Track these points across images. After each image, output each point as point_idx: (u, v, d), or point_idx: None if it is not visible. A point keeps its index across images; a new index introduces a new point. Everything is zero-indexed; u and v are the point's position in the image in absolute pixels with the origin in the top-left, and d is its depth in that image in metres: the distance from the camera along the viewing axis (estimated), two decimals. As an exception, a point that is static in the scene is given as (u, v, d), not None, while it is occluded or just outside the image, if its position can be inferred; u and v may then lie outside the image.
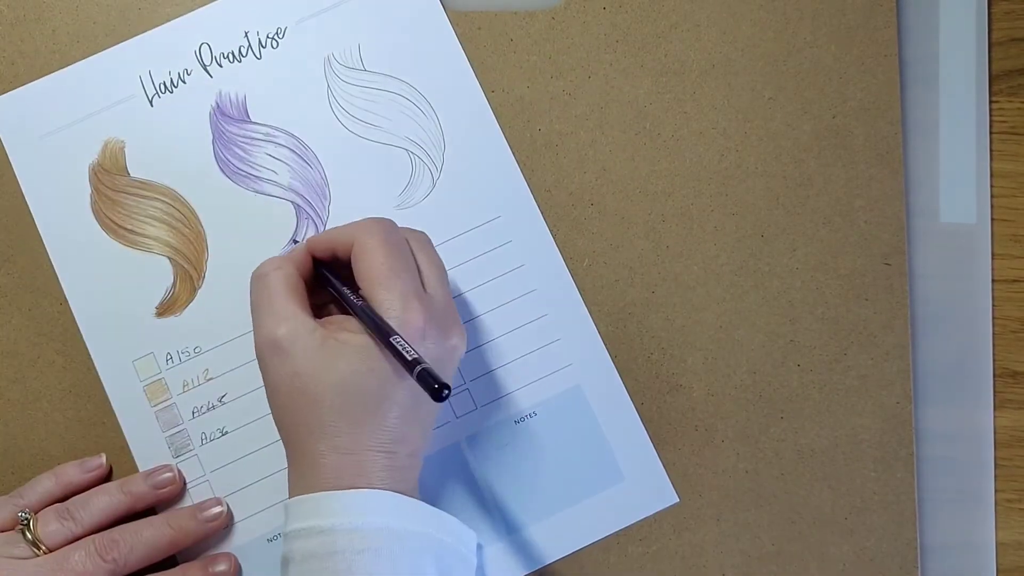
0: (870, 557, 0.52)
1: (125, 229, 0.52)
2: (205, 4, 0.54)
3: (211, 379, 0.52)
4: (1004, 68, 0.56)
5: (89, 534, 0.48)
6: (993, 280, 0.55)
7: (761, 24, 0.55)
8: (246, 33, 0.53)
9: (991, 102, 0.55)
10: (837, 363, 0.53)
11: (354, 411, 0.44)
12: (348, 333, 0.45)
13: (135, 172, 0.53)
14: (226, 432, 0.51)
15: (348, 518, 0.42)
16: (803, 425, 0.53)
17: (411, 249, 0.47)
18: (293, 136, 0.53)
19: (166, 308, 0.52)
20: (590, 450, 0.52)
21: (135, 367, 0.52)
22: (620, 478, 0.52)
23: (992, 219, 0.55)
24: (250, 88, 0.53)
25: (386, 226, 0.47)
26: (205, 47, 0.53)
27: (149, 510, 0.51)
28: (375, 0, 0.54)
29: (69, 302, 0.52)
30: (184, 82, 0.53)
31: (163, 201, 0.53)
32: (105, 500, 0.49)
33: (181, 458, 0.51)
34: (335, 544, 0.42)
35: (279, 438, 0.48)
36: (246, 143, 0.53)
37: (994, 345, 0.54)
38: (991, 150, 0.55)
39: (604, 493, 0.52)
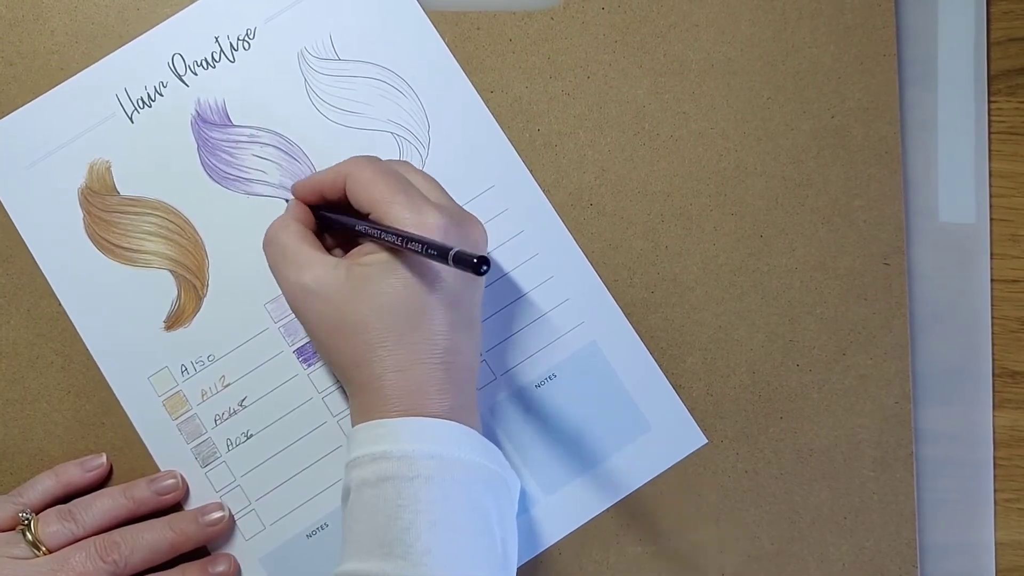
0: (869, 557, 0.52)
1: (122, 248, 0.52)
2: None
3: (228, 385, 0.52)
4: (1003, 68, 0.56)
5: (90, 536, 0.48)
6: (992, 280, 0.55)
7: (760, 24, 0.55)
8: (216, 38, 0.53)
9: (990, 102, 0.55)
10: (836, 363, 0.53)
11: (400, 327, 0.44)
12: (370, 255, 0.45)
13: (124, 190, 0.53)
14: (251, 435, 0.51)
15: (399, 445, 0.43)
16: (802, 425, 0.53)
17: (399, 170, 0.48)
18: (277, 134, 0.53)
19: (174, 320, 0.52)
20: (613, 403, 0.52)
21: (151, 383, 0.52)
22: (647, 427, 0.52)
23: (991, 219, 0.55)
24: (228, 92, 0.53)
25: (372, 157, 0.48)
26: (178, 57, 0.53)
27: (151, 515, 0.51)
28: None
29: (76, 328, 0.52)
30: (161, 95, 0.53)
31: (157, 215, 0.52)
32: (108, 503, 0.49)
33: (209, 467, 0.51)
34: (386, 470, 0.42)
35: (304, 434, 0.50)
36: (231, 147, 0.53)
37: (993, 345, 0.54)
38: (990, 150, 0.55)
39: (633, 444, 0.52)
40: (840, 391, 0.53)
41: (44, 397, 0.52)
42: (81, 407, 0.52)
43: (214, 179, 0.53)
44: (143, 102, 0.53)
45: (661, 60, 0.54)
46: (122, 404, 0.52)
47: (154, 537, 0.48)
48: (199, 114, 0.53)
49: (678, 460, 0.52)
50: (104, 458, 0.51)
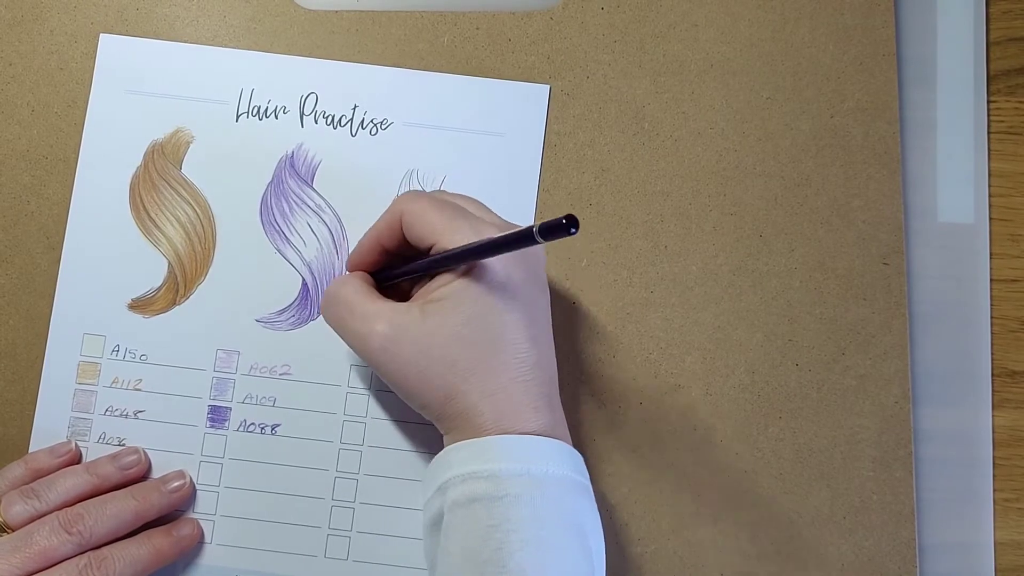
0: (868, 557, 0.52)
1: (148, 216, 0.53)
2: (212, 16, 0.54)
3: (139, 390, 0.52)
4: (1002, 68, 0.56)
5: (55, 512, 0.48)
6: (991, 280, 0.55)
7: (759, 24, 0.55)
8: (355, 107, 0.53)
9: (989, 102, 0.55)
10: (835, 363, 0.53)
11: (485, 351, 0.44)
12: (440, 290, 0.45)
13: (186, 170, 0.53)
14: (122, 443, 0.51)
15: (488, 464, 0.43)
16: (801, 425, 0.53)
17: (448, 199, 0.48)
18: (339, 221, 0.53)
19: (141, 305, 0.52)
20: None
21: (83, 339, 0.52)
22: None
23: (990, 219, 0.55)
24: (328, 157, 0.53)
25: (419, 191, 0.47)
26: (312, 97, 0.53)
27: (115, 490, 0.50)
28: (485, 148, 0.53)
29: (62, 255, 0.52)
30: (276, 117, 0.53)
31: (194, 210, 0.53)
32: (72, 480, 0.49)
33: (81, 440, 0.51)
34: (476, 491, 0.42)
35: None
36: (296, 203, 0.53)
37: (992, 345, 0.54)
38: (989, 150, 0.55)
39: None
40: (839, 391, 0.53)
41: (43, 397, 0.52)
42: (81, 407, 0.52)
43: (261, 219, 0.53)
44: (257, 111, 0.53)
45: (660, 60, 0.54)
46: (48, 337, 0.52)
47: (118, 507, 0.48)
48: (292, 157, 0.53)
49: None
50: (73, 444, 0.51)
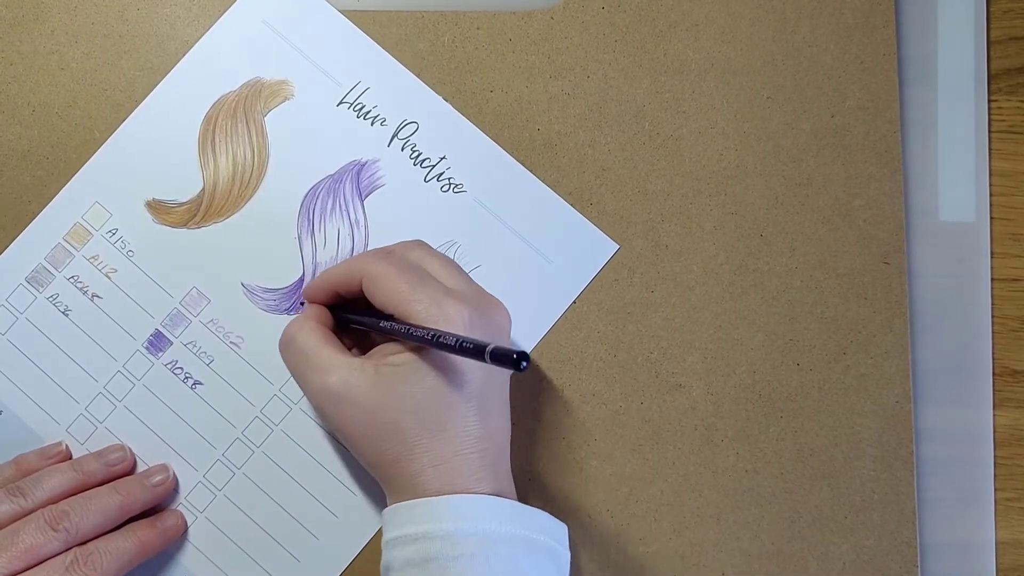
0: (869, 556, 0.52)
1: (213, 138, 0.53)
2: (213, 16, 0.54)
3: (109, 278, 0.52)
4: (1003, 67, 0.56)
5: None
6: (992, 279, 0.55)
7: (760, 23, 0.55)
8: (443, 157, 0.53)
9: (990, 101, 0.55)
10: (836, 362, 0.53)
11: (434, 424, 0.44)
12: (396, 355, 0.45)
13: (268, 120, 0.53)
14: (67, 312, 0.52)
15: (441, 524, 0.43)
16: (802, 424, 0.53)
17: (415, 260, 0.47)
18: (366, 245, 0.53)
19: (157, 209, 0.53)
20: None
21: (93, 206, 0.52)
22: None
23: (991, 218, 0.55)
24: (393, 185, 0.53)
25: (385, 251, 0.47)
26: (413, 126, 0.53)
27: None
28: (530, 264, 0.53)
29: (127, 120, 0.53)
30: (371, 124, 0.53)
31: (253, 158, 0.53)
32: (58, 478, 0.49)
33: (32, 288, 0.52)
34: (430, 551, 0.42)
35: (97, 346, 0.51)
36: (340, 207, 0.53)
37: (993, 344, 0.54)
38: (990, 149, 0.55)
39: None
40: (840, 390, 0.53)
41: (45, 397, 0.52)
42: (82, 407, 0.52)
43: (303, 201, 0.53)
44: (360, 108, 0.53)
45: (661, 60, 0.54)
46: (63, 189, 0.53)
47: (103, 502, 0.48)
48: (362, 167, 0.53)
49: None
50: (63, 445, 0.51)
